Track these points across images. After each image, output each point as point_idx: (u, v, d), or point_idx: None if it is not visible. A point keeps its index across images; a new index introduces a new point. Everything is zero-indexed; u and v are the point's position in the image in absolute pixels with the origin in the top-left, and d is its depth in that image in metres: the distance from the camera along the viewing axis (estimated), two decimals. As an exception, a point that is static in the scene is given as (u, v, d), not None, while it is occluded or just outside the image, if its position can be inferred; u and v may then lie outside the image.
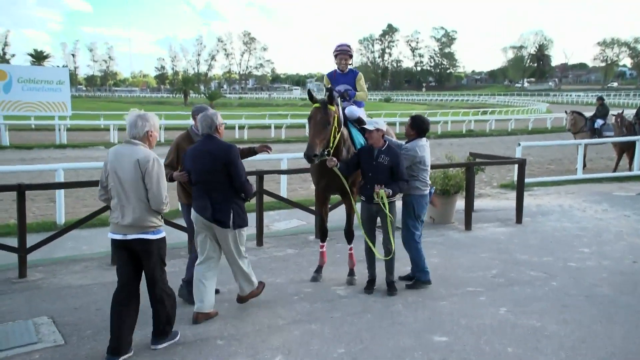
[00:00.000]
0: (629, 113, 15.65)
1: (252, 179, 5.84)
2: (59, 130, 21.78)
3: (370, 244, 5.28)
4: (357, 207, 5.42)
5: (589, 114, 15.31)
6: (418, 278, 5.47)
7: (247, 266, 4.77)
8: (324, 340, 4.27)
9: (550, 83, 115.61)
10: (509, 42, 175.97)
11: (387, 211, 5.04)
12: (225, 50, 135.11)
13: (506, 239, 7.47)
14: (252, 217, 5.66)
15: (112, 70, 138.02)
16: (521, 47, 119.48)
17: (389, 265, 5.31)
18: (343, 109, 5.56)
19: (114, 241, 3.98)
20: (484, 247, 7.04)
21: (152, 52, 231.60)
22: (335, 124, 5.10)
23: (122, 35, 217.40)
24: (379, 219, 5.27)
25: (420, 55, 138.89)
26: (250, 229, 5.96)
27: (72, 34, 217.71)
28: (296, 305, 5.01)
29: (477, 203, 9.36)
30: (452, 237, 7.51)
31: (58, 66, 71.53)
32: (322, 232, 5.85)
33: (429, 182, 5.53)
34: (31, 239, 5.95)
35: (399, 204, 5.46)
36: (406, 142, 5.49)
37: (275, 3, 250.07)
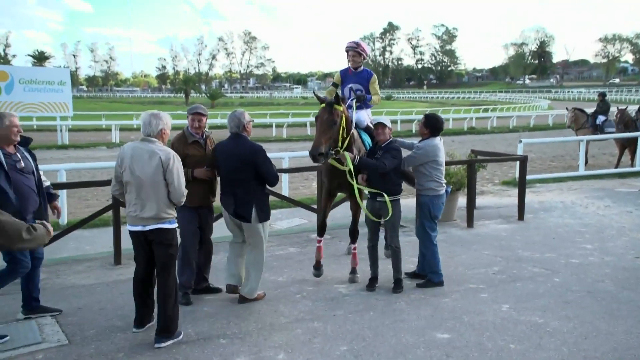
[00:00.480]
0: (632, 109, 15.57)
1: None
2: (61, 130, 21.81)
3: (363, 207, 5.30)
4: (363, 204, 5.41)
5: (590, 110, 15.28)
6: (430, 279, 5.45)
7: (260, 259, 4.94)
8: (327, 338, 4.28)
9: (551, 80, 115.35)
10: (510, 39, 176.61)
11: (354, 181, 5.08)
12: (226, 49, 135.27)
13: (508, 236, 7.47)
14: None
15: (113, 70, 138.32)
16: (522, 43, 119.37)
17: (395, 263, 5.34)
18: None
19: (133, 233, 4.21)
20: (485, 244, 7.04)
21: (153, 52, 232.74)
22: (344, 124, 5.07)
23: (123, 35, 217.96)
24: (383, 217, 5.30)
25: (421, 53, 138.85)
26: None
27: (73, 34, 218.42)
28: (299, 303, 5.03)
29: (479, 200, 9.35)
30: (454, 234, 7.52)
31: (59, 67, 71.66)
32: (321, 228, 5.82)
33: (444, 181, 5.50)
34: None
35: (407, 202, 5.47)
36: (420, 141, 5.46)
37: (275, 2, 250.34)
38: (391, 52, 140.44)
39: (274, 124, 26.71)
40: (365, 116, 5.91)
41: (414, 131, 24.60)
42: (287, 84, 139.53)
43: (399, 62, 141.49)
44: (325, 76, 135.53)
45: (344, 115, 5.07)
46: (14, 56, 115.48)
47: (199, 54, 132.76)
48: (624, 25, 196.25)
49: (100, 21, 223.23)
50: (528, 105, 44.77)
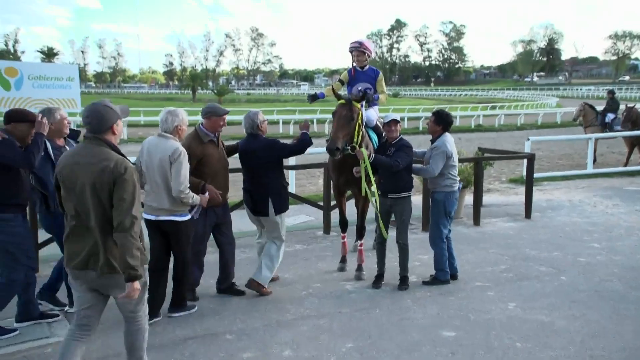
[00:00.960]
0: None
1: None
2: (69, 126, 21.93)
3: (369, 194, 5.33)
4: (373, 200, 5.42)
5: (600, 107, 15.16)
6: (437, 276, 5.44)
7: (276, 251, 5.12)
8: (333, 335, 4.29)
9: (560, 77, 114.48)
10: (519, 36, 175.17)
11: (370, 173, 5.16)
12: (234, 46, 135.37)
13: (515, 234, 7.44)
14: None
15: (121, 66, 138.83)
16: (531, 41, 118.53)
17: (402, 261, 5.34)
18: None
19: (147, 221, 4.39)
20: (492, 243, 7.02)
21: (161, 49, 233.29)
22: (359, 121, 5.19)
23: (131, 31, 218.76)
24: (393, 215, 5.34)
25: (429, 50, 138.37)
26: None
27: (82, 30, 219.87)
28: (305, 300, 5.04)
29: (486, 198, 9.32)
30: (460, 232, 7.49)
31: (68, 63, 72.10)
32: (342, 224, 6.01)
33: (458, 177, 5.49)
34: (42, 235, 6.00)
35: (416, 199, 5.46)
36: (433, 140, 5.38)
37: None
38: (398, 49, 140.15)
39: (281, 120, 26.74)
40: (374, 114, 5.95)
41: (420, 128, 24.56)
42: (294, 81, 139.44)
43: (406, 59, 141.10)
44: (332, 73, 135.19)
45: (360, 113, 5.19)
46: (23, 52, 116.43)
47: (206, 51, 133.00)
48: (635, 22, 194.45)
49: (109, 17, 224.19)
50: (536, 103, 44.44)
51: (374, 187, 5.21)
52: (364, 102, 5.47)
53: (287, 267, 5.99)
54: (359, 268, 5.70)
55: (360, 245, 5.82)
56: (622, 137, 14.06)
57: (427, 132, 5.53)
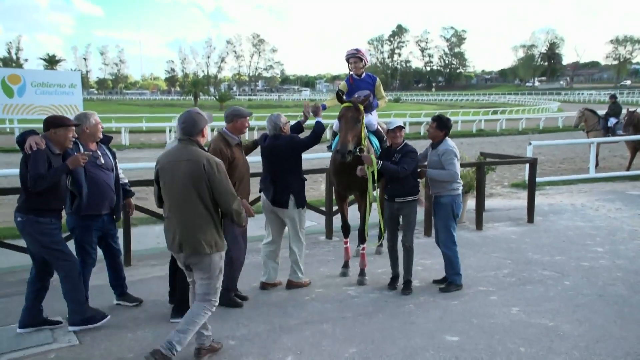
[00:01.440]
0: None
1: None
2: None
3: (373, 201, 5.44)
4: (373, 206, 5.45)
5: (602, 112, 15.14)
6: (453, 281, 5.39)
7: (300, 250, 5.37)
8: (336, 340, 4.28)
9: (561, 82, 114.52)
10: (520, 40, 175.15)
11: (375, 182, 5.23)
12: (235, 52, 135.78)
13: (518, 238, 7.42)
14: (262, 218, 5.68)
15: (123, 73, 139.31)
16: (532, 45, 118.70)
17: (407, 264, 5.35)
18: None
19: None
20: (495, 247, 7.00)
21: (162, 55, 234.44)
22: (364, 123, 5.29)
23: (133, 38, 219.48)
24: (400, 218, 5.36)
25: (430, 56, 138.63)
26: (260, 230, 6.01)
27: (84, 37, 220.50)
28: (307, 305, 5.03)
29: (488, 202, 9.30)
30: (463, 237, 7.47)
31: (70, 70, 72.36)
32: (345, 229, 6.03)
33: (461, 181, 5.50)
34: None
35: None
36: (435, 145, 5.38)
37: (284, 5, 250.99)
38: (400, 55, 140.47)
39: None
40: (374, 119, 5.97)
41: (422, 133, 24.55)
42: (296, 87, 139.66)
43: (408, 65, 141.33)
44: (333, 78, 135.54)
45: (363, 115, 5.27)
46: (25, 60, 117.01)
47: (208, 57, 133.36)
48: (636, 26, 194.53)
49: (111, 24, 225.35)
50: (537, 108, 44.44)
51: (376, 192, 5.23)
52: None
53: (289, 272, 5.97)
54: (362, 273, 5.70)
55: (363, 249, 5.81)
56: (624, 141, 14.06)
57: (428, 137, 5.53)
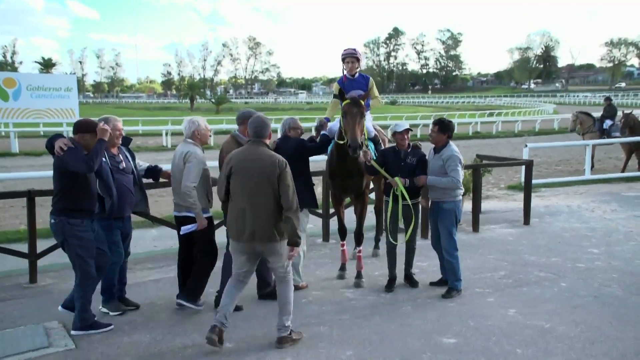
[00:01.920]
0: (638, 113, 15.52)
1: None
2: (67, 136, 21.92)
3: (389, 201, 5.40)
4: (371, 207, 5.47)
5: (597, 114, 15.22)
6: (454, 287, 5.33)
7: (301, 253, 5.31)
8: (333, 342, 4.27)
9: (557, 84, 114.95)
10: (515, 43, 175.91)
11: (409, 201, 5.24)
12: (231, 55, 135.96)
13: (514, 240, 7.44)
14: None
15: (119, 76, 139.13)
16: (527, 48, 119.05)
17: (409, 259, 5.48)
18: None
19: (174, 217, 5.02)
20: (491, 249, 7.02)
21: (159, 58, 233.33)
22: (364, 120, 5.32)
23: (129, 41, 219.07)
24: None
25: (426, 58, 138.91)
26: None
27: (80, 41, 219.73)
28: (305, 308, 5.02)
29: (485, 205, 9.33)
30: (460, 239, 7.40)
31: (66, 73, 72.22)
32: (341, 232, 6.02)
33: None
34: (41, 245, 5.99)
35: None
36: (438, 149, 5.35)
37: (280, 8, 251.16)
38: (396, 57, 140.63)
39: (278, 129, 26.72)
40: (371, 124, 5.94)
41: (419, 135, 24.62)
42: (292, 90, 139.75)
43: (404, 67, 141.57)
44: (330, 81, 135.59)
45: (364, 109, 5.28)
46: (20, 63, 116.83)
47: (204, 60, 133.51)
48: (630, 29, 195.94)
49: (107, 28, 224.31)
50: (533, 110, 44.62)
51: (407, 201, 5.24)
52: None
53: (286, 275, 5.98)
54: (358, 275, 5.70)
55: (359, 252, 5.82)
56: (619, 143, 14.13)
57: (431, 142, 5.48)
